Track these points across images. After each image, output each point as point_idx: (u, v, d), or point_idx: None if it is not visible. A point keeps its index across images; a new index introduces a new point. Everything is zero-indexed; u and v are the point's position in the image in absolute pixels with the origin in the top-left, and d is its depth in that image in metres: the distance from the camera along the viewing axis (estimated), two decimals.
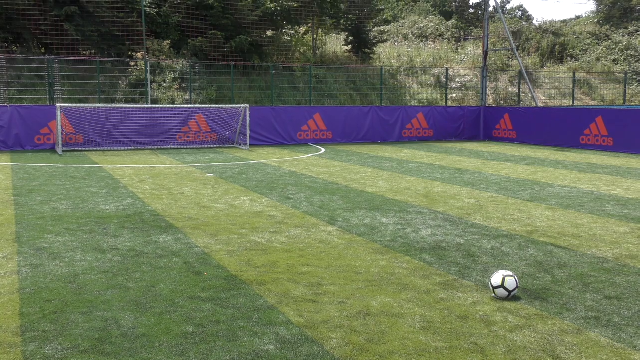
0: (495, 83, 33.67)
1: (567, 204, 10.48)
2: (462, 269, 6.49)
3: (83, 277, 6.06)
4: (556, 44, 40.11)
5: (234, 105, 21.96)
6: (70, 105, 19.82)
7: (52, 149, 19.95)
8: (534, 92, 29.83)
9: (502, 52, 35.62)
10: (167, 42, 26.79)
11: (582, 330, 4.79)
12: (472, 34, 43.42)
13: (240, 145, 21.99)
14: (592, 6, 59.39)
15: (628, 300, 5.52)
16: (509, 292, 5.46)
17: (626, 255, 7.09)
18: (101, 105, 20.64)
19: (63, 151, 19.13)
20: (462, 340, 4.60)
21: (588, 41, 40.70)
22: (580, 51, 39.60)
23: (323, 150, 21.12)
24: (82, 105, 20.46)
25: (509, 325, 4.90)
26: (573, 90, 32.77)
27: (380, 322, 4.95)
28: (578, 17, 50.82)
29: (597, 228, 8.56)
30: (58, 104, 19.07)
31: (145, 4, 24.88)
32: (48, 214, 9.19)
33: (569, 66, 37.65)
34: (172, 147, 21.35)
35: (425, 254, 7.12)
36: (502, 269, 6.10)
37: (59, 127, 18.98)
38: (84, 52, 25.51)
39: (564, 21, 47.36)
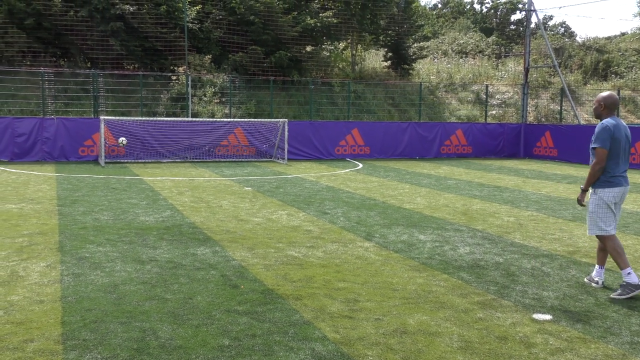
0: (536, 100, 33.20)
1: None
2: (500, 289, 6.37)
3: (122, 288, 6.16)
4: (600, 61, 39.40)
5: (272, 120, 22.16)
6: (113, 118, 20.29)
7: (95, 161, 20.42)
8: (577, 109, 29.30)
9: (544, 68, 35.15)
10: (208, 56, 27.24)
11: (628, 356, 4.64)
12: (513, 50, 42.99)
13: (278, 159, 22.14)
14: (638, 23, 58.34)
15: None
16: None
17: None
18: (143, 118, 21.06)
19: (105, 163, 19.56)
20: None
21: (633, 58, 39.87)
22: (625, 68, 38.79)
23: (360, 165, 21.10)
24: (125, 118, 20.91)
25: (550, 348, 4.78)
26: (618, 108, 32.06)
27: (417, 341, 4.89)
28: (623, 34, 49.87)
29: None
30: (102, 117, 19.54)
31: (187, 19, 25.38)
32: (90, 224, 9.38)
33: (613, 84, 36.89)
34: (211, 160, 21.61)
35: (463, 272, 7.02)
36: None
37: (102, 139, 19.42)
38: (128, 67, 26.12)
39: (608, 38, 46.54)
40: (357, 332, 5.06)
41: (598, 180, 6.25)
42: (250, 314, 5.45)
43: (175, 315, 5.38)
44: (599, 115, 6.40)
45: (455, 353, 4.66)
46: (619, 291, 6.09)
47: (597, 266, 6.53)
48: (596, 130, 6.23)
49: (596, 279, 6.49)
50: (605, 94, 6.40)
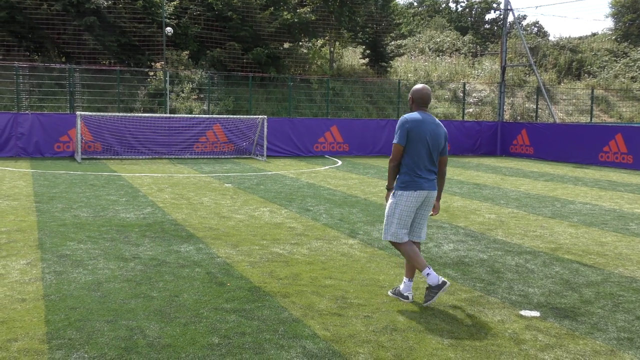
0: (512, 98, 33.55)
1: (589, 221, 10.36)
2: (487, 285, 6.40)
3: (107, 285, 6.05)
4: (573, 60, 39.97)
5: (251, 116, 22.03)
6: (89, 113, 19.98)
7: (71, 157, 20.09)
8: (552, 107, 29.67)
9: (519, 67, 35.53)
10: (185, 52, 27.02)
11: (616, 352, 4.69)
12: (489, 49, 43.37)
13: (257, 156, 22.03)
14: (609, 23, 59.24)
15: None
16: None
17: None
18: (120, 114, 20.79)
19: (82, 159, 19.26)
20: (492, 359, 4.51)
21: (605, 58, 40.53)
22: (597, 68, 39.41)
23: (340, 162, 21.10)
24: (102, 114, 20.62)
25: (540, 344, 4.81)
26: (591, 107, 32.56)
27: (407, 338, 4.89)
28: (594, 34, 50.65)
29: (622, 246, 8.44)
30: (78, 112, 19.24)
31: (165, 15, 25.10)
32: (69, 221, 9.22)
33: (586, 83, 37.45)
34: (189, 156, 21.43)
35: (448, 269, 7.05)
36: None
37: (79, 135, 19.12)
38: (104, 62, 25.76)
39: (581, 38, 47.22)
40: (347, 329, 5.04)
41: (398, 181, 5.66)
42: (239, 311, 5.40)
43: (162, 313, 5.30)
44: (410, 109, 5.79)
45: (446, 350, 4.66)
46: (425, 297, 5.67)
47: (405, 279, 5.87)
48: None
49: (406, 294, 5.82)
50: (416, 86, 5.74)
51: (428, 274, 5.59)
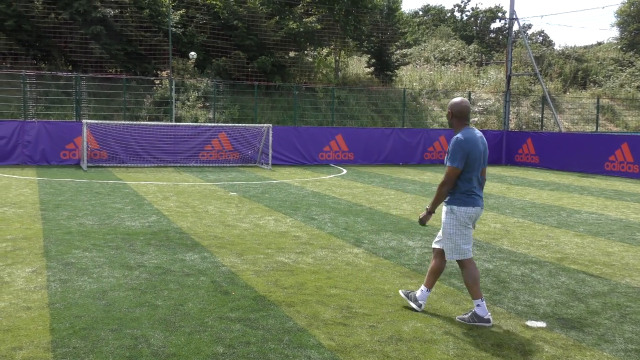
0: (517, 107, 33.52)
1: (596, 231, 10.31)
2: (492, 295, 6.37)
3: (111, 294, 6.05)
4: (579, 69, 39.93)
5: (256, 125, 22.06)
6: (96, 121, 20.06)
7: (77, 165, 20.15)
8: (557, 117, 29.62)
9: (524, 76, 35.52)
10: (191, 61, 27.09)
11: None
12: (494, 58, 43.39)
13: (262, 164, 22.05)
14: (615, 32, 59.20)
15: None
16: None
17: None
18: (126, 122, 20.85)
19: (88, 167, 19.31)
20: None
21: (611, 67, 40.48)
22: (603, 77, 39.35)
23: (345, 171, 21.09)
24: (108, 122, 20.69)
25: (546, 355, 4.77)
26: (597, 116, 32.50)
27: (412, 348, 4.86)
28: (599, 44, 50.62)
29: (629, 257, 8.39)
30: (84, 120, 19.31)
31: (171, 24, 25.22)
32: (75, 229, 9.23)
33: (592, 92, 37.40)
34: (195, 165, 21.46)
35: (454, 278, 7.02)
36: None
37: (85, 143, 19.18)
38: (110, 70, 25.87)
39: (586, 47, 47.20)
40: (352, 339, 5.02)
41: (456, 197, 5.51)
42: (243, 320, 5.39)
43: (167, 322, 5.29)
44: (450, 125, 5.67)
45: None
46: (466, 316, 5.54)
47: (424, 288, 5.82)
48: (450, 145, 5.50)
49: (420, 302, 5.78)
50: (454, 100, 5.62)
51: (479, 305, 5.47)
